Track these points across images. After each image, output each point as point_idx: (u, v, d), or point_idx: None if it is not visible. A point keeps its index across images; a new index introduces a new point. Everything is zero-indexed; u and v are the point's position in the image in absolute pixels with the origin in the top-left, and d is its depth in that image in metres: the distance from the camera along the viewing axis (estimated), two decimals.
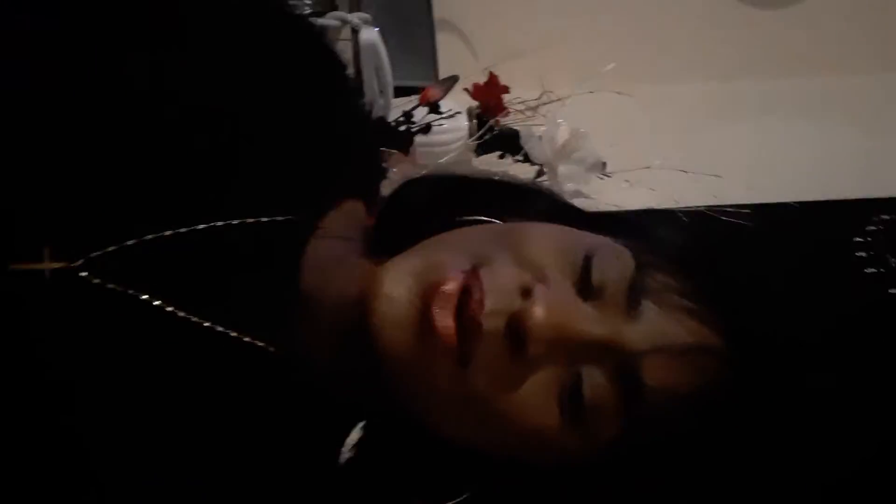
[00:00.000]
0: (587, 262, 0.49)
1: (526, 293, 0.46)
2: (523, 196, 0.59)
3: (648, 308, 0.48)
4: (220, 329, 0.48)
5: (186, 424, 0.47)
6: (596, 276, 0.48)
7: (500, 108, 1.52)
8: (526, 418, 0.47)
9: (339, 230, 0.54)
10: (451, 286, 0.46)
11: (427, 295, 0.46)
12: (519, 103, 1.56)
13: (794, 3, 2.03)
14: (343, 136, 0.58)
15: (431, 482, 0.49)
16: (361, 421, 0.50)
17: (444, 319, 0.45)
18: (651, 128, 1.68)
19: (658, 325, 0.48)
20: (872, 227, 1.61)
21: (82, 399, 0.46)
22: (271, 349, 0.49)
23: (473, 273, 0.47)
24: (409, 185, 0.61)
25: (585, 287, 0.48)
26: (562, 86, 1.52)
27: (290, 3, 1.60)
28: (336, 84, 0.60)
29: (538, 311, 0.45)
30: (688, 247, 0.54)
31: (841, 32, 2.06)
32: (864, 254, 1.55)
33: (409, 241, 0.52)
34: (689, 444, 0.48)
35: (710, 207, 1.30)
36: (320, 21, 1.53)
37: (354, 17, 1.47)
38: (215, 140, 0.51)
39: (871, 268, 1.54)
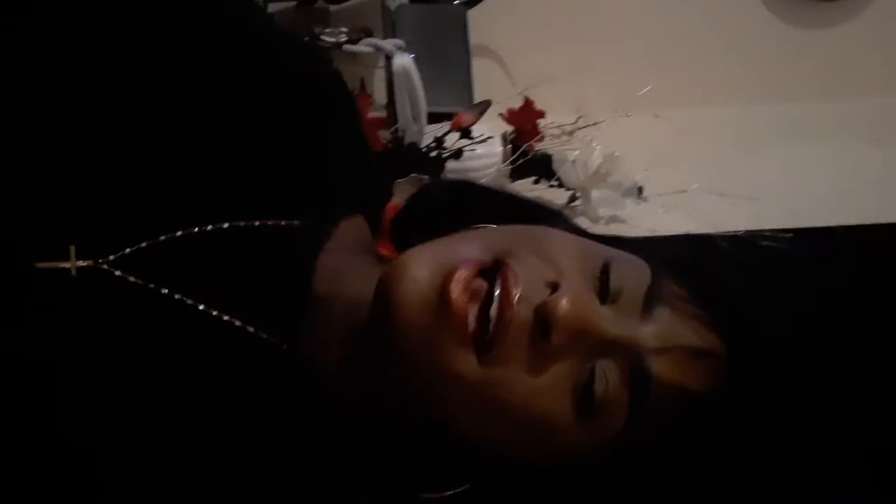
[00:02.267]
0: (606, 268, 0.50)
1: (552, 287, 0.48)
2: (539, 213, 0.61)
3: (661, 312, 0.50)
4: (237, 324, 0.50)
5: (201, 414, 0.50)
6: (615, 282, 0.50)
7: (535, 133, 1.50)
8: (538, 407, 0.48)
9: (348, 241, 0.57)
10: (467, 271, 0.47)
11: (447, 278, 0.47)
12: (554, 128, 1.55)
13: (843, 21, 2.00)
14: (343, 153, 0.61)
15: (433, 472, 0.51)
16: (365, 416, 0.52)
17: (460, 299, 0.46)
18: (688, 152, 1.64)
19: (670, 327, 0.50)
20: None
21: (101, 388, 0.48)
22: (283, 346, 0.51)
23: (501, 263, 0.48)
24: (429, 189, 0.64)
25: (603, 291, 0.50)
26: (598, 110, 1.50)
27: (327, 30, 1.62)
28: (337, 104, 0.63)
29: (565, 304, 0.47)
30: (701, 261, 0.55)
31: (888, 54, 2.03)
32: None
33: (427, 238, 0.53)
34: (681, 444, 0.49)
35: (749, 232, 1.27)
36: (354, 48, 1.54)
37: (388, 44, 1.46)
38: (233, 149, 0.54)
39: None
